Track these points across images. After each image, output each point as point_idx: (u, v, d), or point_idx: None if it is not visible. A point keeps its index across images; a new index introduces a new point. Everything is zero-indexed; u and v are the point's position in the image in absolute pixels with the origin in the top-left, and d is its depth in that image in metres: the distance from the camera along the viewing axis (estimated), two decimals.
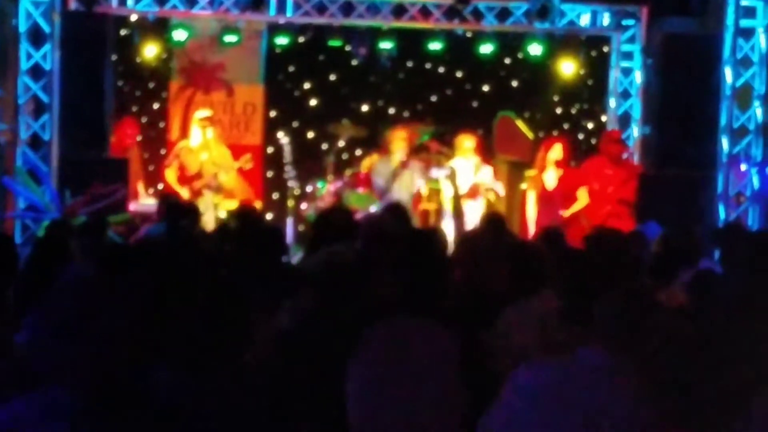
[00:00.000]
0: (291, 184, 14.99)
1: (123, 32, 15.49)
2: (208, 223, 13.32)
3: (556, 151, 13.71)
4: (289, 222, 14.66)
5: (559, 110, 17.48)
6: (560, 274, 5.55)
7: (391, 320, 5.11)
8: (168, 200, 11.05)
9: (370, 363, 5.01)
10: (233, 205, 13.61)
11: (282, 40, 15.40)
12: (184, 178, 14.28)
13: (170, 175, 14.35)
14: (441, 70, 17.28)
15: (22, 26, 14.02)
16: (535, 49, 15.10)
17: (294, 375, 5.07)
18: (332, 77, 17.23)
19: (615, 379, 4.14)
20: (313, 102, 17.31)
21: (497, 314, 5.85)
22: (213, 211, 14.08)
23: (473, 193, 13.75)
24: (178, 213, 9.77)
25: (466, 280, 6.17)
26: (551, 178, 13.70)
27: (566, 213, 13.58)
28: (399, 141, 13.84)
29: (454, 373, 4.97)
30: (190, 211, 10.21)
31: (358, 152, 16.04)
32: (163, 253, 6.42)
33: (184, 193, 14.00)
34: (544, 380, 4.19)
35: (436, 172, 14.05)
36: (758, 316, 4.65)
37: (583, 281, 5.27)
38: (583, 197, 13.70)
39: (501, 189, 14.04)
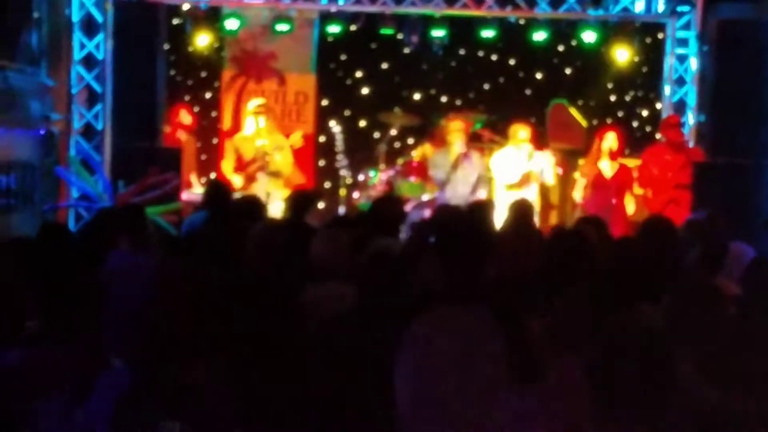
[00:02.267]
0: (343, 172, 15.03)
1: (175, 21, 15.54)
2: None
3: (610, 141, 13.54)
4: (341, 211, 14.66)
5: (613, 98, 17.38)
6: (604, 262, 5.50)
7: (438, 308, 5.08)
8: (210, 190, 10.62)
9: (417, 352, 4.98)
10: (286, 192, 13.46)
11: (334, 29, 15.34)
12: (241, 167, 14.04)
13: (226, 166, 14.07)
14: (494, 57, 17.24)
15: (75, 16, 14.13)
16: (588, 36, 14.97)
17: (338, 365, 5.05)
18: (384, 65, 17.22)
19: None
20: (364, 90, 17.31)
21: (536, 303, 5.82)
22: (266, 198, 13.93)
23: (525, 181, 13.62)
24: (220, 203, 9.64)
25: (499, 270, 6.14)
26: (605, 167, 13.55)
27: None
28: (456, 132, 13.53)
29: (501, 359, 4.94)
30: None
31: (410, 141, 16.03)
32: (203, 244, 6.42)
33: (238, 180, 13.78)
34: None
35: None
36: None
37: (630, 270, 5.21)
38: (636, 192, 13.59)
39: (551, 178, 13.81)
